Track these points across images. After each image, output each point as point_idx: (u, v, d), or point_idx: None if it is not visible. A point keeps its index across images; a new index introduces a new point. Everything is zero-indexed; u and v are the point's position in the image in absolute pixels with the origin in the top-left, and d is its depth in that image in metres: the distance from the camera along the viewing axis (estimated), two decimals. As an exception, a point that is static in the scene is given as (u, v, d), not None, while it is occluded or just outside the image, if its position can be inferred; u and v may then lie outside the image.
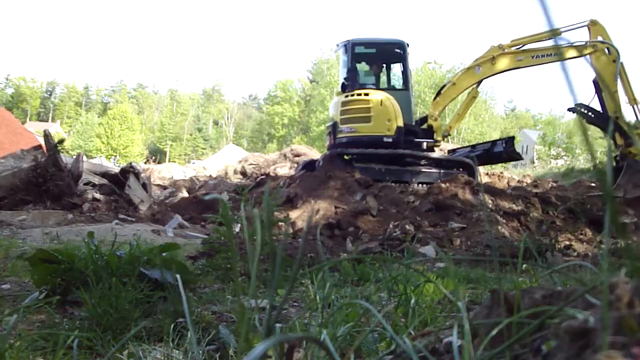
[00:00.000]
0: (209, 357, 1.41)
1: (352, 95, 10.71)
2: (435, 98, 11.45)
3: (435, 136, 11.11)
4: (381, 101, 10.57)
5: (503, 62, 10.65)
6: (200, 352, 1.22)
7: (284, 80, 67.40)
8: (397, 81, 11.84)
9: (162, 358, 1.34)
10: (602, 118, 9.93)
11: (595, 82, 9.93)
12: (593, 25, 10.20)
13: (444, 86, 11.58)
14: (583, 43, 10.07)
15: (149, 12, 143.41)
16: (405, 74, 11.34)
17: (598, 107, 10.13)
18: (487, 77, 11.09)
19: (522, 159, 12.82)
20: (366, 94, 10.68)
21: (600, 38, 10.15)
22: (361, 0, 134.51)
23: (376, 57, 11.51)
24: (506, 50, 10.60)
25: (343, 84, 11.10)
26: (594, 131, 11.07)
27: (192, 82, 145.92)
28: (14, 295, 2.37)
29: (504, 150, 11.01)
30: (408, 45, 11.33)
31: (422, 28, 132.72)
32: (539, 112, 77.97)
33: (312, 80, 64.88)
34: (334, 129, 10.98)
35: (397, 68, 11.88)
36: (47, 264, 2.20)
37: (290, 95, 65.88)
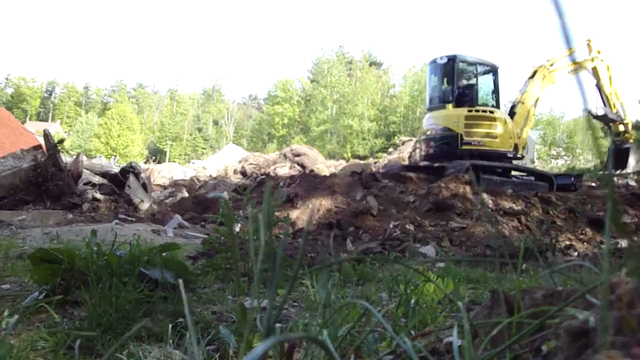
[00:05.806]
0: (209, 357, 1.41)
1: (477, 111, 11.71)
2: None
3: (520, 152, 12.42)
4: (505, 120, 11.91)
5: (549, 79, 12.64)
6: (200, 352, 1.22)
7: (284, 80, 67.06)
8: (488, 99, 12.57)
9: (162, 358, 1.34)
10: (604, 113, 13.29)
11: (597, 86, 13.20)
12: (590, 42, 13.15)
13: (513, 106, 12.85)
14: (590, 57, 13.00)
15: (149, 12, 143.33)
16: (496, 94, 12.42)
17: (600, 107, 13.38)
18: (542, 93, 12.81)
19: None
20: (491, 112, 11.84)
21: (596, 51, 13.07)
22: (360, 0, 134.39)
23: (472, 74, 12.29)
24: (550, 69, 12.49)
25: (459, 97, 11.85)
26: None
27: (192, 82, 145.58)
28: (14, 295, 2.37)
29: (572, 183, 12.62)
30: (498, 67, 12.52)
31: (419, 28, 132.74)
32: (539, 113, 77.85)
33: (313, 80, 64.74)
34: (453, 139, 11.65)
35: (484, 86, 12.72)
36: (48, 264, 2.20)
37: (290, 95, 65.60)
